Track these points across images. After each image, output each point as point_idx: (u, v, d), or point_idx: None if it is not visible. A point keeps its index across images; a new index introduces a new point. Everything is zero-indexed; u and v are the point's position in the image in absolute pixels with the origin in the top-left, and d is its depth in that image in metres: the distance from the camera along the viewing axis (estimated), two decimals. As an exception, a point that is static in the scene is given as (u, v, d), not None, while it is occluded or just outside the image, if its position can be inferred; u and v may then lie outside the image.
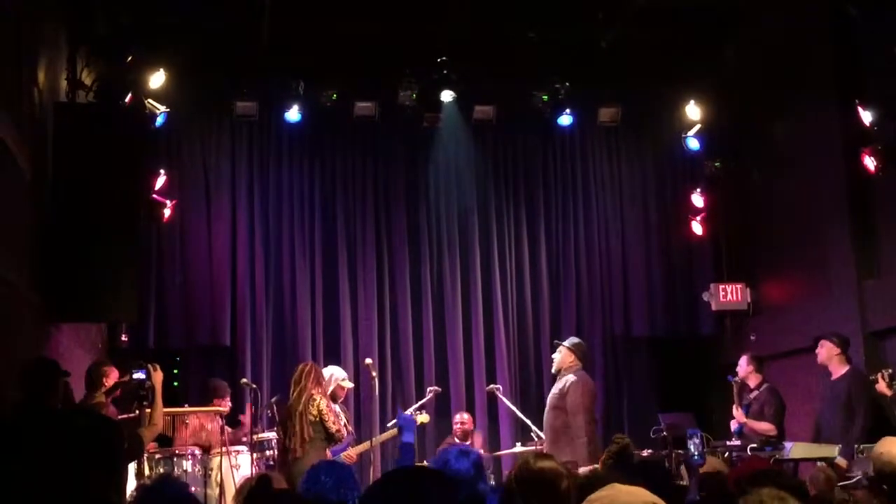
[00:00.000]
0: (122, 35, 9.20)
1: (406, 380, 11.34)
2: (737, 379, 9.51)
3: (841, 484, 6.64)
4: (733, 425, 9.38)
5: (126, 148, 8.13)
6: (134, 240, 8.22)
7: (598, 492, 2.96)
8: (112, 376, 7.51)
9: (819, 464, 7.59)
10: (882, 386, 8.16)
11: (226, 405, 9.26)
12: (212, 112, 11.20)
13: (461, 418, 10.59)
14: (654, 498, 2.92)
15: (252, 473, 8.59)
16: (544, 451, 8.17)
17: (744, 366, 9.53)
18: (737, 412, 9.33)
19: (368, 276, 11.44)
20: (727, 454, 8.86)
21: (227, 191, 11.19)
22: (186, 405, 9.30)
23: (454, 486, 2.91)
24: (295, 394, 8.33)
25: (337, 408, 9.00)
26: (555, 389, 8.99)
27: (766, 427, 9.09)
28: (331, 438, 8.25)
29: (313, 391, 8.28)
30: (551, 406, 8.91)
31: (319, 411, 8.18)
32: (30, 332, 7.32)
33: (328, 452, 8.35)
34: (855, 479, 6.88)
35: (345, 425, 9.00)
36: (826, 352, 8.86)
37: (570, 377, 8.90)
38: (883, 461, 4.74)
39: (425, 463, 9.33)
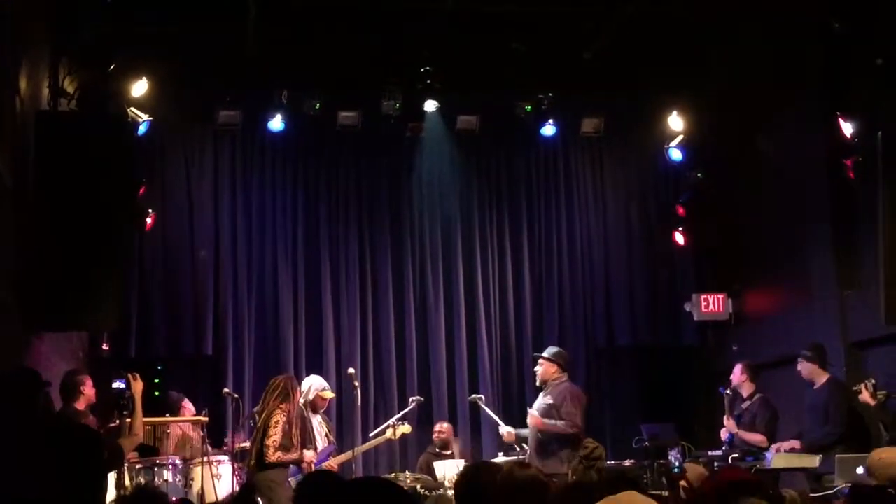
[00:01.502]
0: (104, 43, 9.16)
1: (388, 389, 11.32)
2: (728, 391, 9.51)
3: (814, 495, 6.65)
4: (724, 434, 9.38)
5: (108, 156, 8.08)
6: (116, 249, 8.17)
7: (613, 497, 2.96)
8: (88, 384, 7.49)
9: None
10: (865, 396, 8.16)
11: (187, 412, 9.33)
12: (195, 121, 11.17)
13: (440, 427, 10.58)
14: None
15: (233, 483, 8.59)
16: (528, 461, 8.15)
17: (738, 374, 9.54)
18: (728, 422, 9.33)
19: (351, 285, 11.42)
20: (709, 464, 8.84)
21: (210, 200, 11.16)
22: (168, 415, 9.27)
23: (412, 499, 2.91)
24: (259, 410, 8.39)
25: (319, 418, 8.98)
26: (544, 400, 8.92)
27: (757, 438, 9.10)
28: (258, 454, 8.12)
29: (279, 407, 8.23)
30: (540, 416, 8.82)
31: (266, 427, 8.13)
32: (10, 342, 7.27)
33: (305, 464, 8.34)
34: (833, 491, 6.89)
35: (326, 436, 9.00)
36: (807, 369, 8.93)
37: (560, 388, 8.85)
38: (885, 464, 4.77)
39: (406, 473, 9.33)
